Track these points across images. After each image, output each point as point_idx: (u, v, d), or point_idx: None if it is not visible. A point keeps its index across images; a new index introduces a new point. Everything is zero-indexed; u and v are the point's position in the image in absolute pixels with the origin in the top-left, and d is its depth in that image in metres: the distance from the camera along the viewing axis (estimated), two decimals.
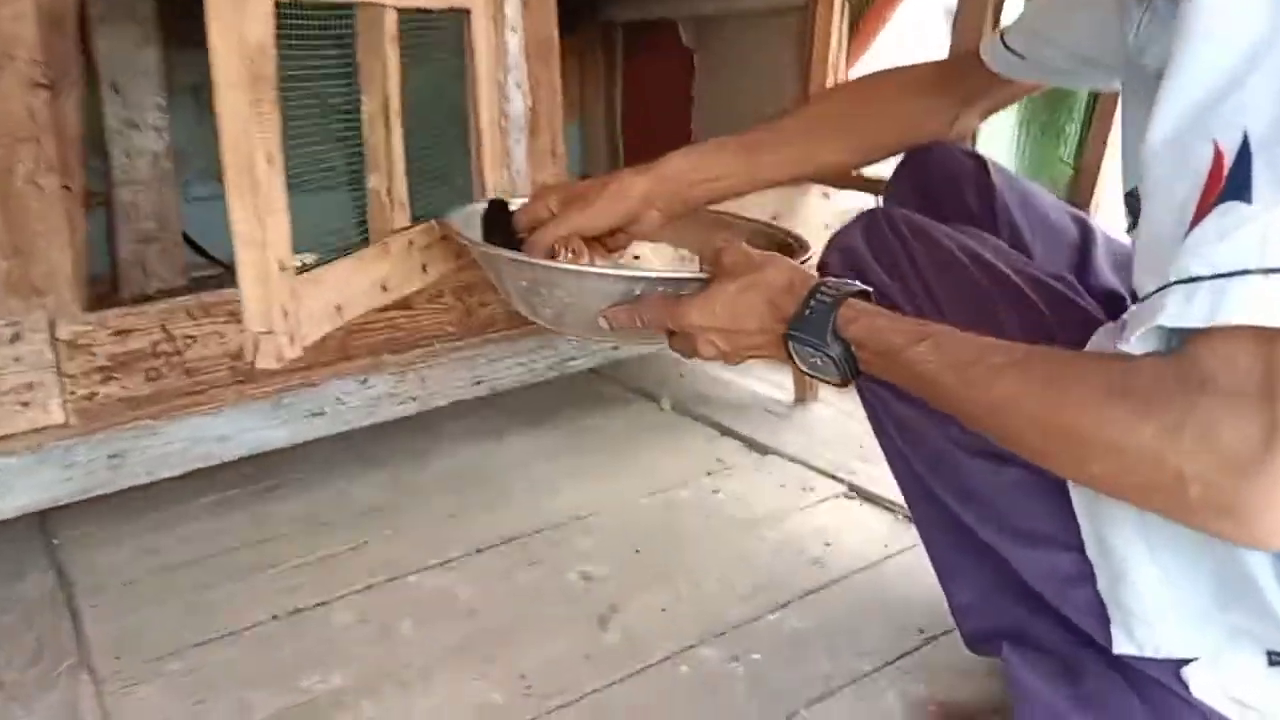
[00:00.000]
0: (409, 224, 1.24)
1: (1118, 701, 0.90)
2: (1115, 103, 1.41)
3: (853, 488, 1.61)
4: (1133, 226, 0.83)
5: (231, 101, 0.92)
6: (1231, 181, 0.61)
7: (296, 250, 1.58)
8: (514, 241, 1.16)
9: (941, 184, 1.24)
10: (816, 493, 1.61)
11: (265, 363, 1.00)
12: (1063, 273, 1.07)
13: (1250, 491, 0.61)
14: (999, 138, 1.60)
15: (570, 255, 1.08)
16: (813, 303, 0.87)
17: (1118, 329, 0.97)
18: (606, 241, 1.19)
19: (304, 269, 1.06)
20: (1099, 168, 1.45)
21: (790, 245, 1.22)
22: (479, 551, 1.44)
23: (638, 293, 0.98)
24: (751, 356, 0.96)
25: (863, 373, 0.88)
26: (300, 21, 1.02)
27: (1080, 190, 1.48)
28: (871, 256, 1.07)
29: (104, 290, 1.79)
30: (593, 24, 2.24)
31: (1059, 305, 1.01)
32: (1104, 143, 1.44)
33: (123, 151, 1.77)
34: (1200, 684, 0.84)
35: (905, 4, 1.86)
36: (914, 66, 1.33)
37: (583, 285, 1.00)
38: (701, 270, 1.04)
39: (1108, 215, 1.47)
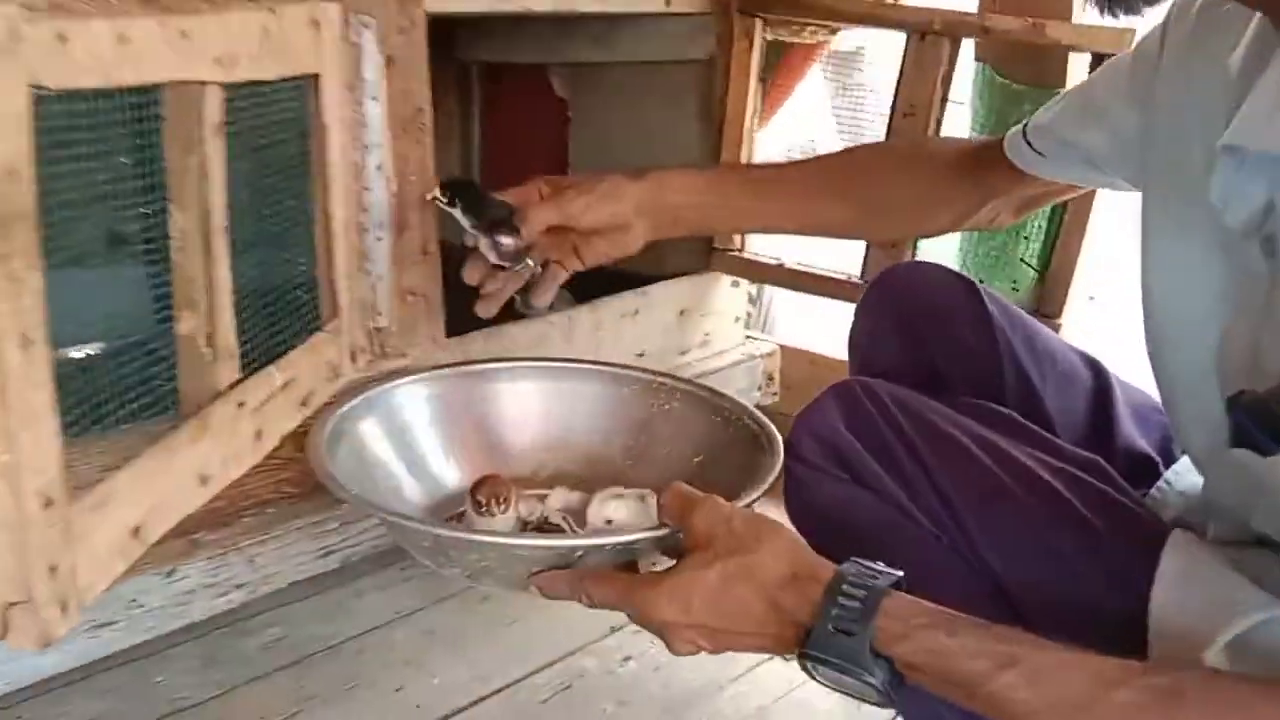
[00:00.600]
0: (238, 377, 0.89)
1: None
2: (1093, 198, 1.22)
3: None
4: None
5: None
6: None
7: (75, 340, 1.20)
8: (484, 206, 1.05)
9: (926, 315, 1.03)
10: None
11: (22, 643, 0.65)
12: (1093, 457, 0.90)
13: None
14: None
15: (494, 505, 0.83)
16: (836, 611, 0.65)
17: (1190, 543, 0.81)
18: (582, 249, 1.08)
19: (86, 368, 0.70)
20: (1072, 274, 1.26)
21: (755, 435, 0.99)
22: None
23: (578, 556, 0.80)
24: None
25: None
26: (74, 121, 0.66)
27: (1046, 299, 1.29)
28: (861, 446, 0.89)
29: None
30: (446, 63, 1.91)
31: (1099, 505, 0.84)
32: (1078, 243, 1.25)
33: None
34: None
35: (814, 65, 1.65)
36: (944, 142, 1.14)
37: (504, 554, 0.83)
38: (660, 524, 0.81)
39: (1071, 330, 1.28)
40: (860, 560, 0.69)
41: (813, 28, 1.54)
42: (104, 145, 0.70)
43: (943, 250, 1.39)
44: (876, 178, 1.12)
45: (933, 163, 1.11)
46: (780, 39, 1.56)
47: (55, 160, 0.62)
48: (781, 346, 1.65)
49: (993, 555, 0.86)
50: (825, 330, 2.13)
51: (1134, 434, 0.99)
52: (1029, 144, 0.99)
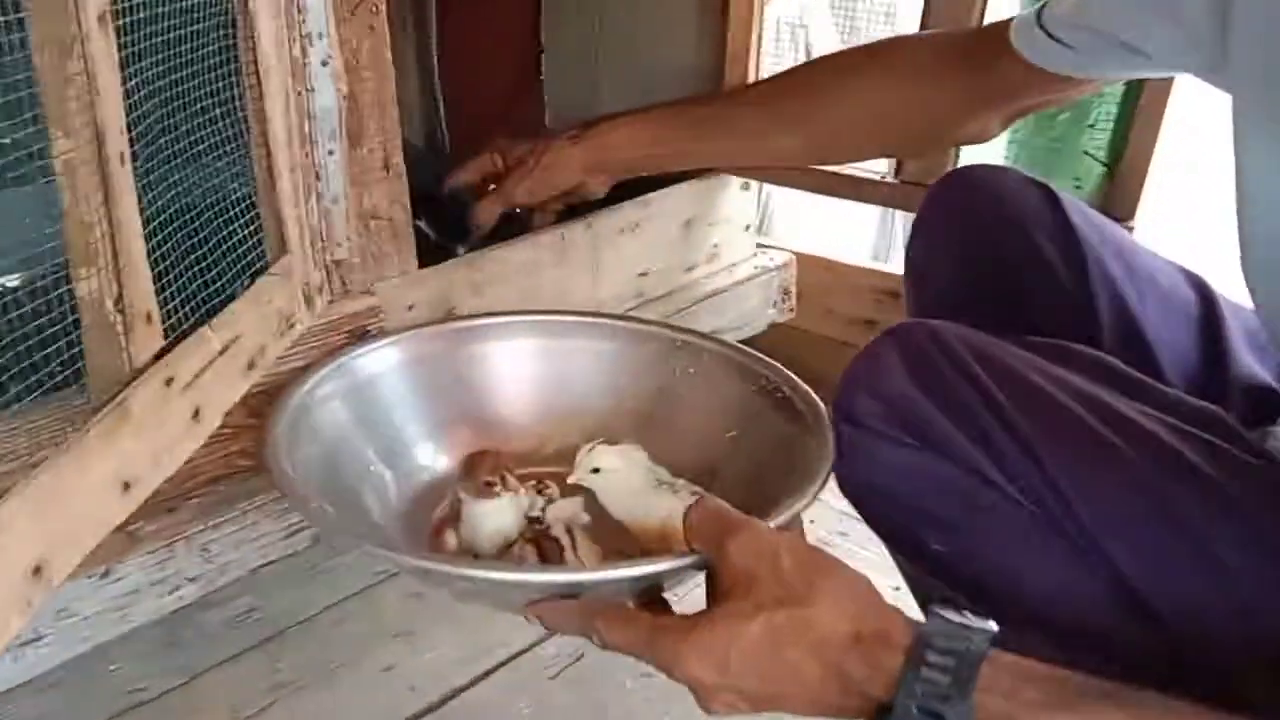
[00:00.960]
0: (162, 345, 0.70)
1: None
2: (1172, 80, 1.03)
3: None
4: None
5: None
6: None
7: None
8: (443, 213, 1.15)
9: (998, 228, 0.85)
10: None
11: None
12: (1215, 410, 0.73)
13: None
14: None
15: (502, 485, 0.71)
16: (920, 687, 0.51)
17: None
18: (542, 211, 1.17)
19: None
20: (1147, 166, 1.08)
21: (796, 409, 0.82)
22: None
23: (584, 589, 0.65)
24: None
25: None
26: None
27: (1117, 197, 1.11)
28: (931, 403, 0.73)
29: None
30: None
31: (1237, 475, 0.67)
32: (1155, 132, 1.06)
33: None
34: None
35: None
36: (924, 40, 0.97)
37: (497, 586, 0.67)
38: (687, 550, 0.64)
39: (1146, 235, 1.10)
40: (942, 609, 0.53)
41: None
42: None
43: (994, 143, 1.20)
44: (834, 98, 0.97)
45: (906, 70, 0.95)
46: None
47: None
48: (799, 255, 1.46)
49: (1106, 537, 0.70)
50: (831, 226, 1.95)
51: (1252, 364, 0.83)
52: (1047, 34, 0.81)
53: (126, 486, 0.65)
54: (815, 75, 1.02)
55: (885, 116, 0.96)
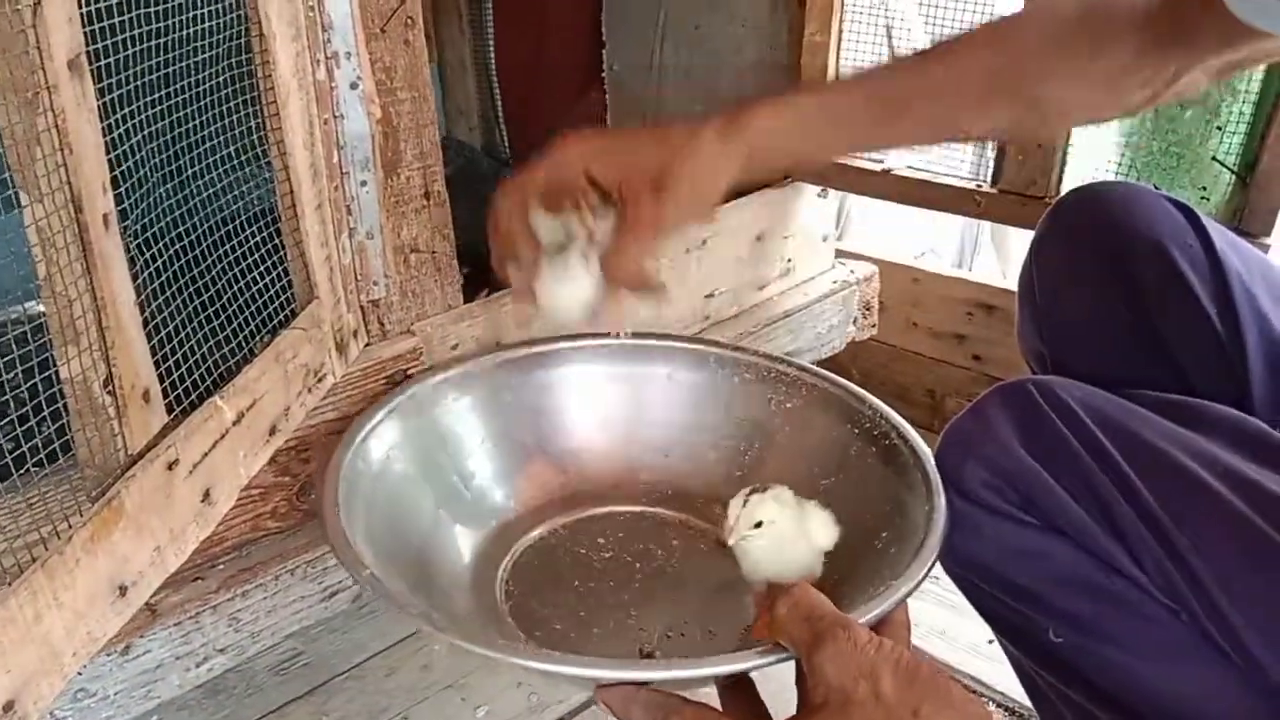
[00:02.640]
0: (165, 422, 0.62)
1: None
2: None
3: None
4: None
5: None
6: None
7: None
8: None
9: (1133, 253, 0.74)
10: None
11: None
12: None
13: None
14: None
15: None
16: None
17: None
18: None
19: None
20: None
21: (902, 458, 0.73)
22: None
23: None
24: None
25: None
26: None
27: (1250, 210, 0.97)
28: (1050, 476, 0.64)
29: None
30: None
31: None
32: None
33: None
34: None
35: None
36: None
37: (554, 679, 0.69)
38: (771, 647, 0.57)
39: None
40: None
41: None
42: None
43: (1098, 145, 1.06)
44: (1044, 66, 0.76)
45: (1110, 30, 0.75)
46: None
47: None
48: (882, 264, 1.34)
49: (1262, 646, 0.59)
50: (911, 229, 1.81)
51: None
52: None
53: (122, 591, 0.57)
54: (1012, 34, 0.81)
55: (1107, 83, 0.76)
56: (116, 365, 0.57)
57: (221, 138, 0.68)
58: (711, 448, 0.86)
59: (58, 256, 0.53)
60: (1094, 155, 1.07)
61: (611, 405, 0.89)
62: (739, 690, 0.60)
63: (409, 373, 0.89)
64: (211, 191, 0.68)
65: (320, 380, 0.79)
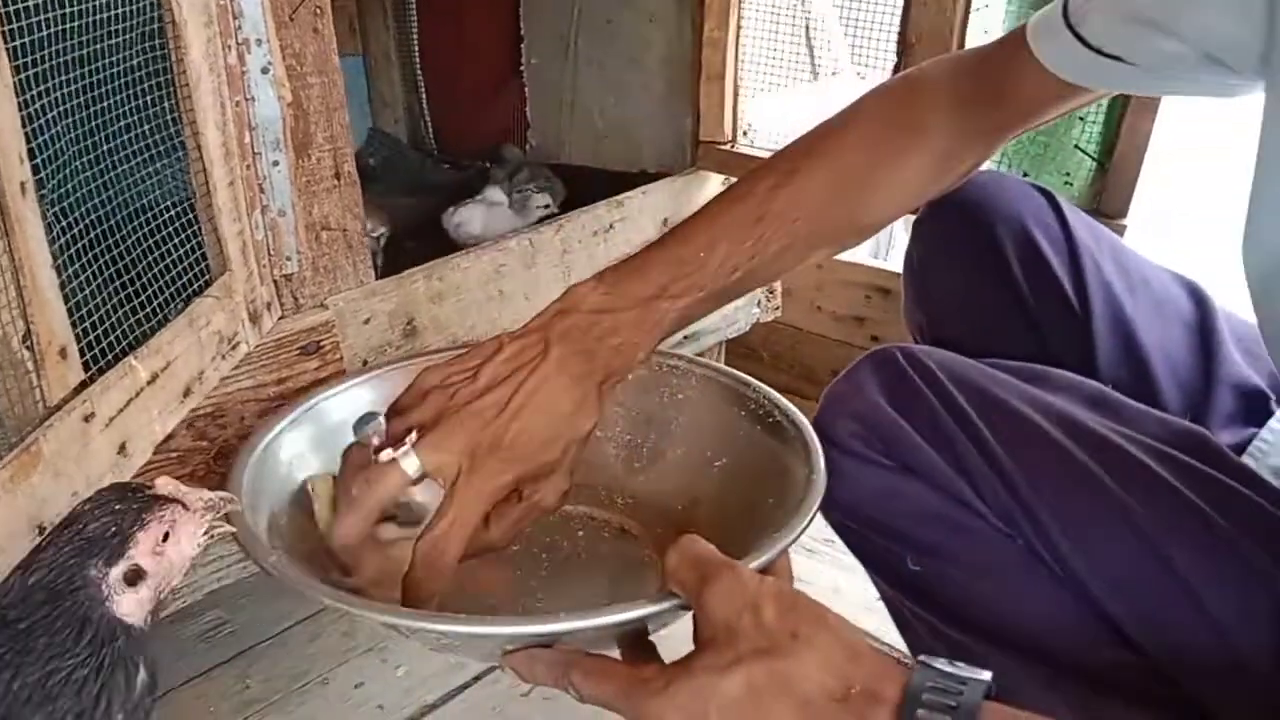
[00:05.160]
0: (83, 379, 0.67)
1: None
2: None
3: None
4: None
5: None
6: None
7: None
8: None
9: (997, 231, 0.84)
10: None
11: None
12: (1197, 430, 0.71)
13: None
14: None
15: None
16: None
17: None
18: None
19: None
20: (1139, 163, 1.03)
21: (788, 434, 0.78)
22: None
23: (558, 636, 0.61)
24: None
25: None
26: None
27: (1108, 193, 1.06)
28: (908, 425, 0.73)
29: None
30: None
31: (1216, 498, 0.65)
32: (1150, 124, 1.01)
33: None
34: None
35: None
36: (953, 67, 0.80)
37: (464, 641, 0.65)
38: (663, 593, 0.60)
39: (1136, 237, 1.05)
40: (933, 661, 0.49)
41: None
42: None
43: None
44: (867, 183, 0.78)
45: (927, 129, 0.78)
46: None
47: None
48: None
49: (1082, 566, 0.67)
50: None
51: (1243, 366, 0.81)
52: (1086, 43, 0.68)
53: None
54: (849, 161, 0.79)
55: (931, 175, 0.80)
56: (34, 323, 0.62)
57: (137, 116, 0.73)
58: (610, 442, 0.89)
59: None
60: None
61: None
62: (639, 651, 0.63)
63: (321, 344, 0.94)
64: (128, 167, 0.73)
65: (234, 348, 0.84)
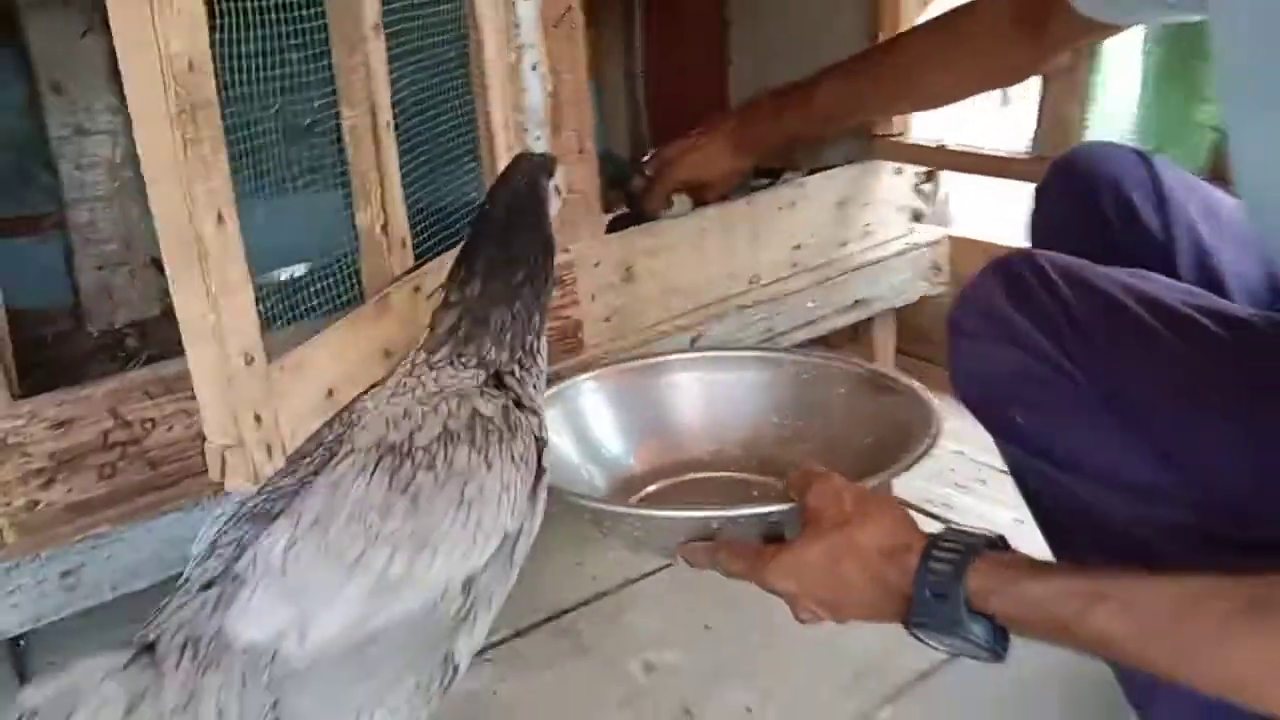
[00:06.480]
0: (413, 265, 0.98)
1: None
2: None
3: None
4: None
5: (155, 143, 0.66)
6: None
7: (285, 262, 1.34)
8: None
9: (1104, 194, 1.02)
10: None
11: (236, 483, 0.76)
12: (1270, 314, 0.84)
13: None
14: (1116, 87, 1.32)
15: None
16: (930, 577, 0.70)
17: None
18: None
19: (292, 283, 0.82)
20: None
21: (891, 388, 1.07)
22: (517, 635, 1.20)
23: (715, 526, 0.86)
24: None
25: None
26: (244, 19, 0.75)
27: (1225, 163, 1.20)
28: (1024, 317, 0.88)
29: (67, 328, 1.54)
30: None
31: (1263, 346, 0.79)
32: None
33: (72, 163, 1.51)
34: None
35: None
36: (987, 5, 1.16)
37: (648, 525, 0.92)
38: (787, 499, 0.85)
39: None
40: (955, 525, 0.72)
41: None
42: (276, 44, 0.78)
43: (1119, 119, 1.32)
44: (950, 47, 1.20)
45: (981, 41, 1.16)
46: None
47: (234, 55, 0.71)
48: (952, 237, 1.61)
49: (1149, 408, 0.83)
50: (1004, 220, 2.06)
51: None
52: None
53: (387, 354, 0.93)
54: (930, 33, 1.25)
55: (976, 78, 1.22)
56: (389, 219, 0.94)
57: (450, 92, 1.06)
58: (781, 429, 1.15)
59: (360, 145, 0.90)
60: (1114, 125, 1.33)
61: (704, 400, 1.19)
62: (774, 542, 0.86)
63: (563, 278, 1.24)
64: (444, 126, 1.05)
65: None
